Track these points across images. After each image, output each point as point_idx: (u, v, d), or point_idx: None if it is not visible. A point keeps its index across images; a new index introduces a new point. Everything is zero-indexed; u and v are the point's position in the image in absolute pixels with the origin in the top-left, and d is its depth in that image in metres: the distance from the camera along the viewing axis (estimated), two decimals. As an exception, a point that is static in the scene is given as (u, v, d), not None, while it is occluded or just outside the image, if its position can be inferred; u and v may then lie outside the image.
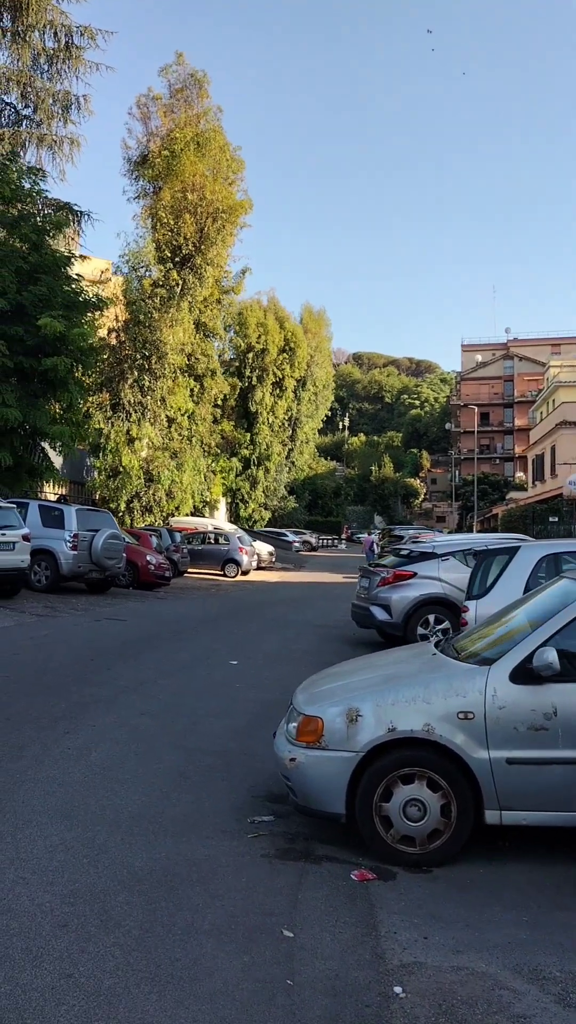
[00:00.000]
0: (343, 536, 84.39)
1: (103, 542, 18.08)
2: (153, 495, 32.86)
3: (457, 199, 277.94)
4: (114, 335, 32.98)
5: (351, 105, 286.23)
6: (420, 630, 12.32)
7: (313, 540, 62.41)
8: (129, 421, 32.10)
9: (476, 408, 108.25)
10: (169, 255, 33.27)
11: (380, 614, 12.57)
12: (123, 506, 31.82)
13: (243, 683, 9.57)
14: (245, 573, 32.30)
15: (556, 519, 35.78)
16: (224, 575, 31.44)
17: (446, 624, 12.28)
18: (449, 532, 53.89)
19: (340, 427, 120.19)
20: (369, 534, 54.54)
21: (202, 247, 33.72)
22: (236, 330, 56.68)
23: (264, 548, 36.85)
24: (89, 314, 21.82)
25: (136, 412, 32.49)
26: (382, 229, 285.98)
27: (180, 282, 33.15)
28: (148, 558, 21.73)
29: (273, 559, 38.55)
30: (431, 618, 12.34)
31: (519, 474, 72.74)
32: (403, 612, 12.34)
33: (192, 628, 14.26)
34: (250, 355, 58.13)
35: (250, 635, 13.84)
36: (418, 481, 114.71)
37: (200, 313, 35.77)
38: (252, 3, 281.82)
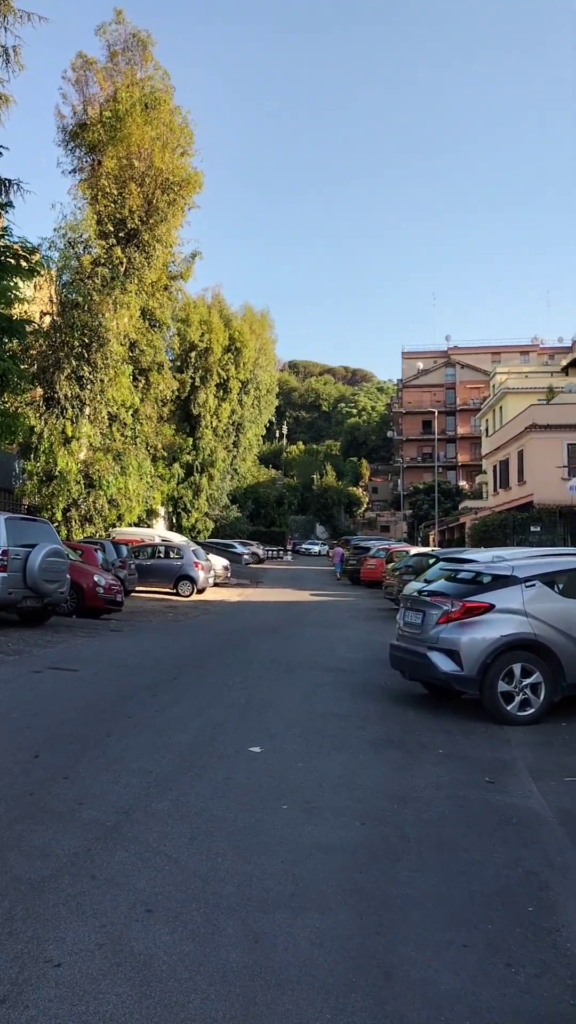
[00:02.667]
0: (288, 547, 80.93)
1: (42, 560, 14.08)
2: (94, 503, 28.69)
3: (393, 206, 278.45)
4: (48, 319, 28.81)
5: (287, 112, 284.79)
6: (502, 685, 8.76)
7: (260, 551, 58.68)
8: (65, 418, 27.92)
9: (418, 415, 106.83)
10: (112, 229, 29.25)
11: (444, 663, 8.94)
12: (59, 515, 27.59)
13: (292, 800, 5.83)
14: (201, 591, 28.42)
15: (538, 528, 32.88)
16: (178, 594, 27.50)
17: (536, 677, 8.76)
18: (397, 541, 50.95)
19: (278, 435, 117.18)
20: (338, 546, 51.53)
21: (150, 221, 29.81)
22: (179, 328, 52.74)
23: (218, 562, 32.98)
24: (15, 280, 17.76)
25: (73, 407, 28.34)
26: (318, 237, 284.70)
27: (124, 260, 29.15)
28: (96, 578, 17.73)
29: (228, 574, 34.69)
30: (516, 669, 8.80)
31: (480, 477, 70.38)
32: (479, 661, 8.76)
33: (171, 680, 10.40)
34: (193, 354, 54.20)
35: (253, 688, 10.06)
36: (360, 490, 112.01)
37: (148, 298, 31.79)
38: None
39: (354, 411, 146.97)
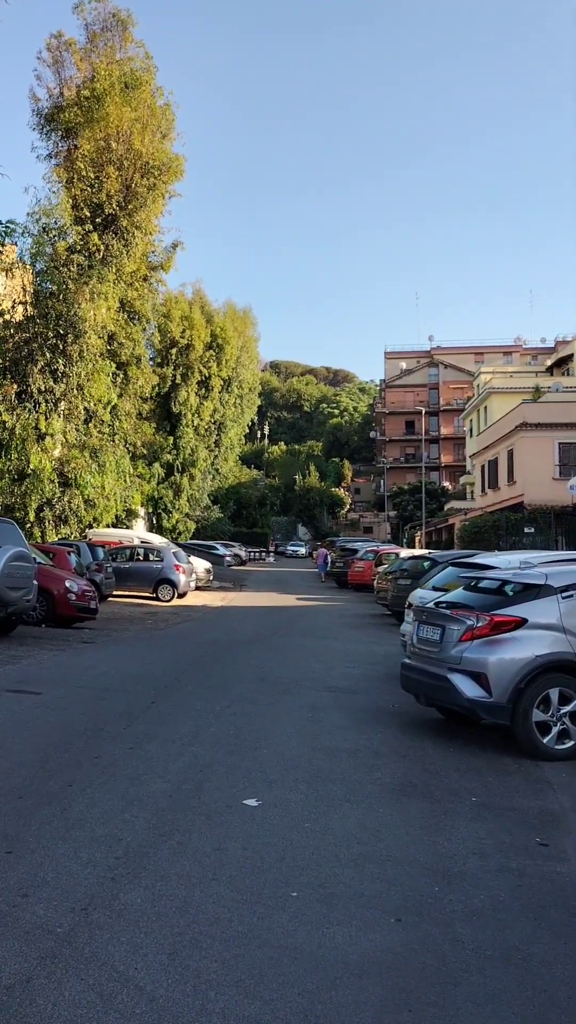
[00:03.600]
0: (270, 548, 79.54)
1: (4, 565, 12.65)
2: (69, 502, 27.20)
3: (374, 206, 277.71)
4: (21, 309, 27.32)
5: (268, 111, 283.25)
6: (537, 714, 7.47)
7: (243, 553, 57.25)
8: (38, 412, 26.42)
9: (402, 416, 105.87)
10: (88, 215, 27.74)
11: (469, 688, 7.63)
12: (32, 516, 26.09)
13: (303, 882, 4.49)
14: (182, 595, 27.00)
15: (532, 529, 31.71)
16: (158, 599, 26.06)
17: (576, 704, 7.48)
18: (383, 543, 49.74)
19: (259, 435, 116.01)
20: (323, 547, 50.31)
21: (129, 207, 28.32)
22: (160, 322, 51.21)
23: (200, 564, 31.55)
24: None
25: (47, 402, 26.84)
26: (299, 237, 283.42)
27: (102, 248, 27.67)
28: (68, 584, 16.27)
29: (211, 577, 33.26)
30: (553, 695, 7.51)
31: (465, 478, 69.32)
32: (510, 686, 7.46)
33: (148, 705, 9.02)
34: (173, 351, 52.74)
35: (243, 716, 8.71)
36: (343, 491, 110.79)
37: (127, 288, 30.32)
38: None
39: (336, 412, 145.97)
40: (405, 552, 30.02)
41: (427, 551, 24.55)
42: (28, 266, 27.22)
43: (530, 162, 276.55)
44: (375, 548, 34.53)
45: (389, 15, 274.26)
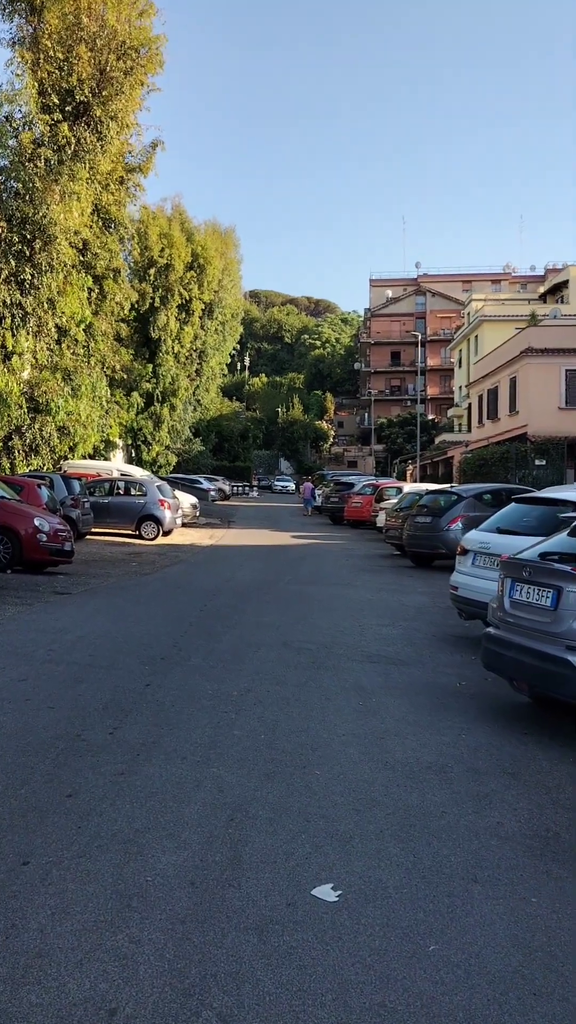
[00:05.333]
0: (253, 483, 77.01)
1: (-45, 501, 10.14)
2: (40, 430, 24.53)
3: (360, 133, 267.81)
4: (-19, 211, 24.18)
5: (252, 33, 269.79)
6: None
7: (227, 488, 54.73)
8: (3, 328, 23.52)
9: (387, 346, 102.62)
10: (57, 103, 24.31)
11: (604, 677, 5.35)
12: (-1, 445, 23.49)
13: None
14: (167, 533, 24.60)
15: (543, 462, 29.43)
16: (140, 537, 23.64)
17: None
18: (377, 477, 47.42)
19: (240, 367, 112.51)
20: (308, 481, 47.94)
21: (103, 94, 24.87)
22: (137, 231, 47.41)
23: (186, 500, 29.06)
24: None
25: (14, 317, 23.92)
26: (280, 162, 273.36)
27: (73, 141, 24.37)
28: (37, 522, 13.78)
29: (197, 513, 30.83)
30: None
31: (452, 410, 66.78)
32: None
33: (139, 692, 6.63)
34: (152, 271, 49.05)
35: (271, 707, 6.38)
36: (326, 424, 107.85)
37: (101, 191, 27.06)
38: None
39: (318, 343, 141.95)
40: (409, 486, 27.74)
41: (444, 485, 22.20)
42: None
43: (520, 84, 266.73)
44: (373, 482, 32.19)
45: None
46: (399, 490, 27.70)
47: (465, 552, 9.34)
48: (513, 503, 9.32)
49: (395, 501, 23.53)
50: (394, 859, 3.87)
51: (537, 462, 29.33)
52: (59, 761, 4.94)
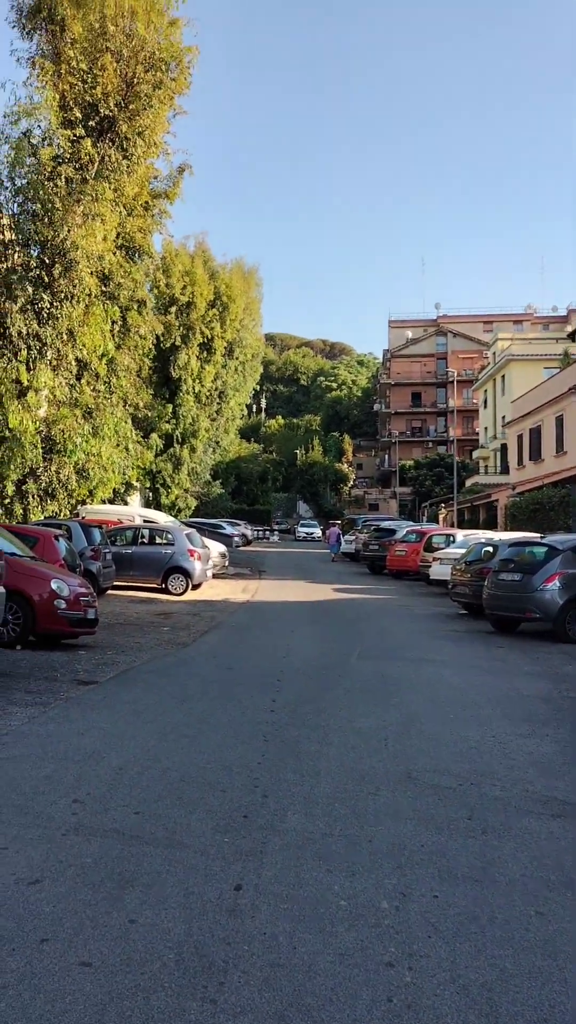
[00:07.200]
0: (272, 527, 74.41)
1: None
2: (57, 472, 22.11)
3: (377, 174, 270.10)
4: (-6, 233, 22.12)
5: (269, 70, 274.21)
6: None
7: (249, 533, 52.23)
8: (18, 361, 21.23)
9: (407, 387, 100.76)
10: (80, 117, 22.33)
11: None
12: (11, 489, 21.02)
13: None
14: (196, 587, 21.99)
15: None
16: (167, 591, 21.06)
17: None
18: (418, 523, 44.81)
19: (256, 409, 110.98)
20: (334, 525, 45.56)
21: (129, 107, 22.89)
22: (156, 279, 45.64)
23: (215, 548, 26.51)
24: None
25: (30, 349, 21.65)
26: (295, 206, 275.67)
27: (97, 158, 22.33)
28: (55, 585, 11.19)
29: (226, 563, 28.25)
30: None
31: (479, 452, 64.33)
32: None
33: (222, 907, 4.00)
34: (173, 309, 47.27)
35: (445, 944, 3.70)
36: (346, 466, 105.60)
37: (127, 215, 24.96)
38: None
39: (334, 385, 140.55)
40: (463, 533, 25.12)
41: (530, 534, 19.56)
42: (3, 181, 21.91)
43: (542, 126, 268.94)
44: (418, 528, 29.55)
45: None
46: (450, 537, 25.09)
47: None
48: None
49: (457, 551, 20.91)
50: None
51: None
52: None
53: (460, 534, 24.98)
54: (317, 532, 70.19)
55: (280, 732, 7.34)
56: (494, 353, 65.01)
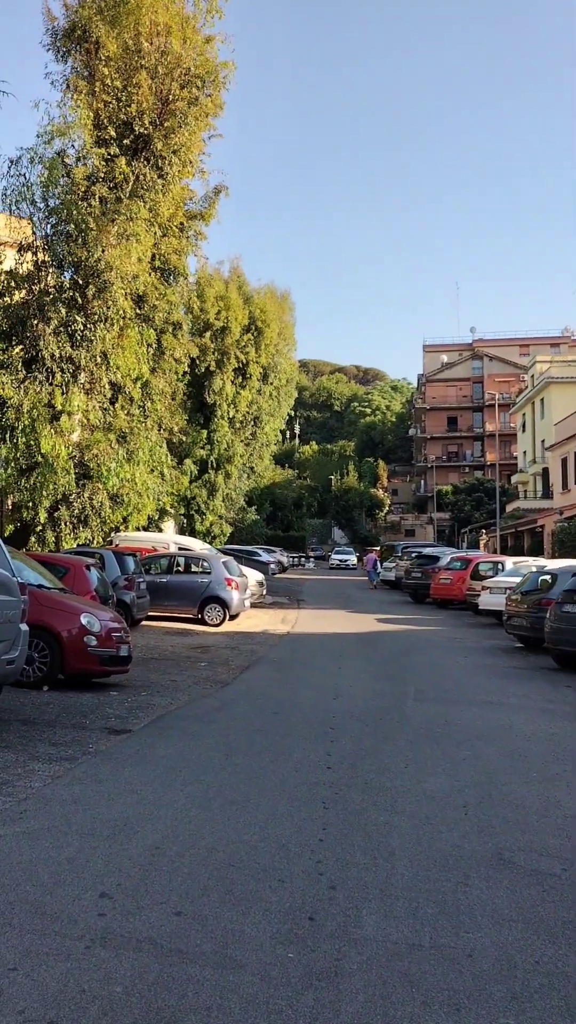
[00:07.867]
0: (308, 553, 73.32)
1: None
2: (90, 499, 21.40)
3: (406, 197, 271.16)
4: (29, 255, 21.66)
5: (300, 85, 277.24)
6: None
7: (285, 560, 51.28)
8: (52, 385, 20.63)
9: (443, 411, 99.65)
10: (114, 135, 21.87)
11: None
12: (43, 516, 20.30)
13: None
14: (233, 617, 21.07)
15: None
16: (204, 622, 20.17)
17: None
18: (459, 549, 43.60)
19: (289, 434, 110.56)
20: (372, 552, 44.59)
21: (164, 125, 22.42)
22: (192, 304, 45.28)
23: (253, 576, 25.60)
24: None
25: (63, 372, 21.05)
26: (326, 233, 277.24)
27: (131, 177, 21.83)
28: (84, 620, 10.33)
29: (264, 591, 27.31)
30: None
31: (517, 476, 62.99)
32: None
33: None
34: (207, 334, 46.85)
35: None
36: (381, 491, 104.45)
37: (161, 236, 24.42)
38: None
39: (368, 410, 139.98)
40: (512, 561, 23.95)
41: (544, 560, 18.40)
42: (38, 201, 21.46)
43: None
44: (464, 555, 28.38)
45: None
46: (499, 565, 23.92)
47: None
48: None
49: (508, 579, 19.77)
50: None
51: None
52: None
53: (509, 561, 23.82)
54: (352, 560, 66.71)
55: (341, 796, 6.33)
56: (532, 376, 63.91)
